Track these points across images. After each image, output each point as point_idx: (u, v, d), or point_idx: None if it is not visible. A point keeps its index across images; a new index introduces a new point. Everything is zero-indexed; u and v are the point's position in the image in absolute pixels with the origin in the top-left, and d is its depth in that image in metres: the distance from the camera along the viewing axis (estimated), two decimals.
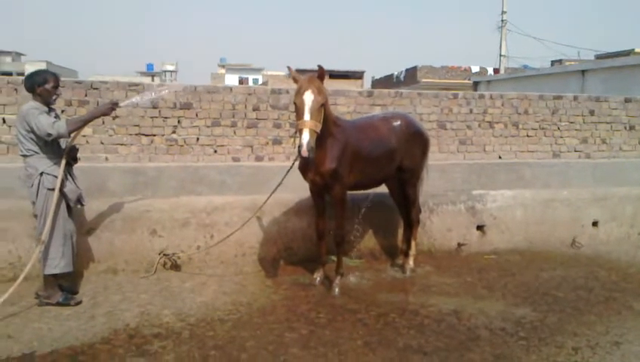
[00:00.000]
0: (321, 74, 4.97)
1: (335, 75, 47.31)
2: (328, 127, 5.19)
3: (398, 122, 6.07)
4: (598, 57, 32.60)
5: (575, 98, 8.98)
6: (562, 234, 7.45)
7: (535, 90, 10.00)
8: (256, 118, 7.46)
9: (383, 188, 6.43)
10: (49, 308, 4.91)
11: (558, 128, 8.87)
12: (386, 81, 42.56)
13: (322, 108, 4.89)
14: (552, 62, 38.04)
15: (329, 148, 5.24)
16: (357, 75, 50.10)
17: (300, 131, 4.76)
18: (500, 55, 36.37)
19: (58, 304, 4.96)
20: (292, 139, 5.16)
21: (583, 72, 19.99)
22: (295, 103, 4.93)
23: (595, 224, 7.67)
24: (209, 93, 7.26)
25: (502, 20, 36.57)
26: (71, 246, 5.11)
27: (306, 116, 4.76)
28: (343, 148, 5.33)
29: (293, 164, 5.46)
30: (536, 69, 27.18)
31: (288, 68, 5.33)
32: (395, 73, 42.27)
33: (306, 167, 5.41)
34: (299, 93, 4.87)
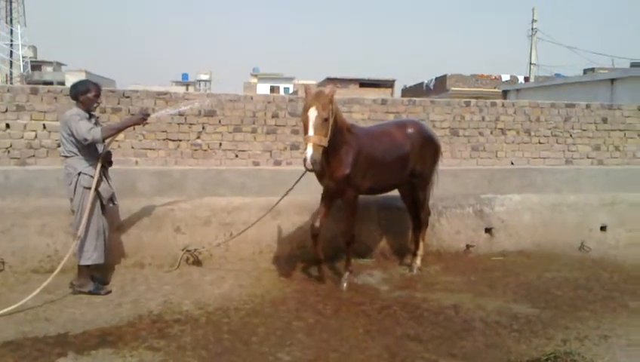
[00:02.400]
0: (331, 93, 5.33)
1: (366, 84, 47.64)
2: (342, 135, 5.58)
3: (411, 129, 6.41)
4: (633, 65, 32.16)
5: (587, 106, 9.17)
6: (570, 238, 7.65)
7: (564, 98, 10.21)
8: (275, 125, 7.91)
9: (394, 192, 6.77)
10: (82, 296, 5.42)
11: (571, 135, 9.07)
12: (416, 90, 42.74)
13: (327, 123, 5.22)
14: (585, 71, 37.66)
15: (343, 155, 5.63)
16: (387, 84, 50.23)
17: (305, 146, 5.19)
18: (530, 63, 36.32)
19: (90, 292, 5.47)
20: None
21: (612, 80, 19.91)
22: (302, 119, 5.35)
23: (603, 228, 7.85)
24: (231, 101, 7.75)
25: (532, 29, 36.55)
26: (103, 240, 5.61)
27: (310, 132, 5.16)
28: (357, 155, 5.70)
29: (304, 173, 5.83)
30: (566, 78, 27.00)
31: (305, 87, 5.78)
32: (425, 81, 42.48)
33: (321, 172, 5.83)
34: (304, 109, 5.28)
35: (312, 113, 5.17)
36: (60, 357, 4.15)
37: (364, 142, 5.81)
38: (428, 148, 6.49)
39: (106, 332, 4.64)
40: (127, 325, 4.80)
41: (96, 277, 5.68)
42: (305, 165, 5.12)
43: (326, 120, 5.20)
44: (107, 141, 5.55)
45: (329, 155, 5.45)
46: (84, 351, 4.25)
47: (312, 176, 5.86)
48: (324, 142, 5.21)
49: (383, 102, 8.44)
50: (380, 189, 6.38)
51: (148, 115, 5.65)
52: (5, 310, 4.86)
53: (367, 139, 5.90)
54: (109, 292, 5.56)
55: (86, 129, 5.22)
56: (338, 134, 5.46)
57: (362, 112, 8.19)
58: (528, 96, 22.21)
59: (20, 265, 6.00)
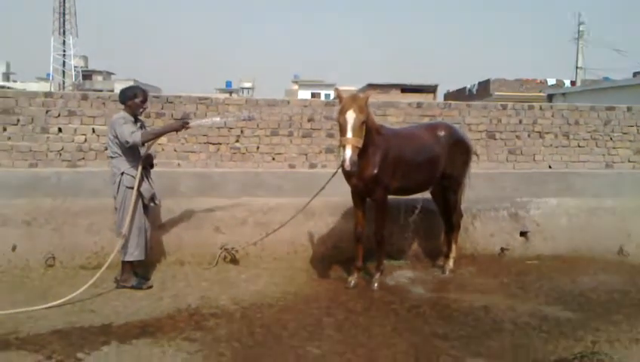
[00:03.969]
0: (366, 96, 5.54)
1: (408, 89, 47.32)
2: (371, 136, 5.72)
3: (442, 131, 6.50)
4: None
5: (629, 109, 8.99)
6: (608, 243, 7.53)
7: (611, 102, 10.00)
8: (311, 128, 8.11)
9: (426, 194, 6.85)
10: (125, 291, 5.73)
11: (611, 139, 8.91)
12: (459, 95, 42.28)
13: (364, 125, 5.40)
14: (635, 74, 36.51)
15: (371, 156, 5.76)
16: (430, 89, 49.72)
17: (343, 147, 5.34)
18: (577, 67, 35.44)
19: (133, 287, 5.77)
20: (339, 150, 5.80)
21: None
22: (338, 121, 5.51)
23: None
24: (269, 105, 8.00)
25: (579, 31, 35.71)
26: (144, 238, 5.91)
27: (349, 133, 5.32)
28: (385, 155, 5.82)
29: (335, 173, 6.04)
30: (614, 81, 26.27)
31: (335, 89, 5.96)
32: (468, 86, 42.00)
33: (349, 172, 5.98)
34: (342, 111, 5.43)
35: (350, 115, 5.33)
36: (104, 345, 4.44)
37: (393, 143, 5.92)
38: (459, 150, 6.55)
39: (147, 323, 4.91)
40: (167, 317, 5.06)
41: (138, 273, 5.99)
42: (344, 166, 5.29)
43: (363, 123, 5.37)
44: (148, 144, 5.86)
45: (358, 155, 5.60)
46: (126, 340, 4.53)
47: (343, 177, 6.01)
48: (360, 143, 5.38)
49: (419, 105, 8.51)
50: (409, 190, 6.46)
51: (187, 122, 5.95)
52: (56, 302, 5.19)
53: (396, 141, 6.01)
54: (151, 287, 5.85)
55: (128, 132, 5.54)
56: (367, 135, 5.59)
57: (397, 115, 8.30)
58: (574, 100, 21.72)
59: (70, 261, 6.38)
